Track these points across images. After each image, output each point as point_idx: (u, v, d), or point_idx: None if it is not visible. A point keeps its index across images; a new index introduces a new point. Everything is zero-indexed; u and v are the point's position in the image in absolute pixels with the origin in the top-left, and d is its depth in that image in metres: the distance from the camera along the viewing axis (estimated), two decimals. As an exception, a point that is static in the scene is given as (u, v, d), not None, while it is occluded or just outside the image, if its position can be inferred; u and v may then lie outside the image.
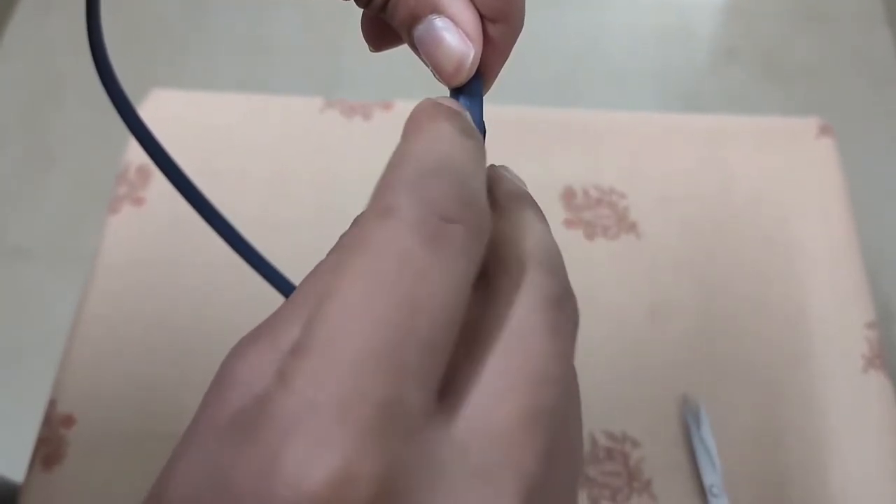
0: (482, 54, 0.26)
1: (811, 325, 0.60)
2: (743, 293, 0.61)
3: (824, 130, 0.68)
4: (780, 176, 0.67)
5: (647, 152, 0.68)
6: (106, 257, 0.62)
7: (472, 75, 0.26)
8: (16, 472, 0.56)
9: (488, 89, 0.28)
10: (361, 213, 0.20)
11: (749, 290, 0.61)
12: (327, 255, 0.22)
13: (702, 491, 0.54)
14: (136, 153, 0.67)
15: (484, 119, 0.27)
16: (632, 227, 0.64)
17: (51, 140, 1.54)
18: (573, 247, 0.63)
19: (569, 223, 0.64)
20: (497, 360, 0.19)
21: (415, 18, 0.26)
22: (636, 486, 0.54)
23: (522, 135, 0.68)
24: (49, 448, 0.55)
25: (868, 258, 0.63)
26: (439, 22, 0.25)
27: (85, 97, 1.57)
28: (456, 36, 0.25)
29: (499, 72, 0.28)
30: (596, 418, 0.56)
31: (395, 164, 0.20)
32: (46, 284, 1.36)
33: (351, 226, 0.22)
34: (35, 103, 1.59)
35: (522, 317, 0.20)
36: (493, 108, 0.70)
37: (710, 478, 0.54)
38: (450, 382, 0.19)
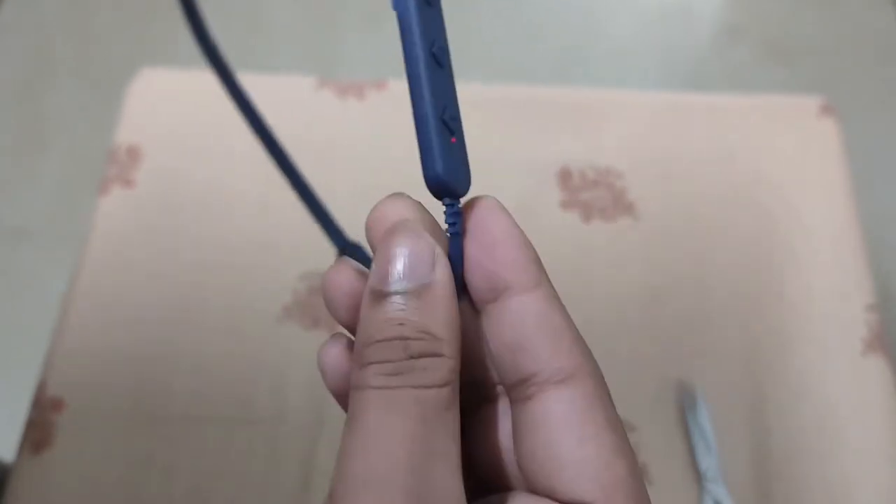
0: None
1: (810, 308, 0.59)
2: (742, 275, 0.60)
3: (826, 110, 0.67)
4: (781, 156, 0.65)
5: (646, 131, 0.67)
6: (96, 239, 0.61)
7: None
8: (9, 452, 0.56)
9: None
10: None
11: (748, 271, 0.61)
12: None
13: (698, 476, 0.53)
14: (126, 134, 0.66)
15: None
16: (629, 209, 0.63)
17: (44, 120, 1.53)
18: (569, 229, 0.62)
19: (565, 204, 0.63)
20: None
21: None
22: (631, 471, 0.53)
23: (517, 114, 0.67)
24: (38, 433, 0.54)
25: (869, 240, 0.62)
26: None
27: (79, 78, 1.56)
28: None
29: None
30: (591, 402, 0.55)
31: None
32: (41, 265, 1.36)
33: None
34: (28, 84, 1.58)
35: None
36: (488, 87, 0.70)
37: (706, 462, 0.53)
38: None
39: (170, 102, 0.68)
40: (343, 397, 0.24)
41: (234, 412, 0.55)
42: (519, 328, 0.23)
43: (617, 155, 0.65)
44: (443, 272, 0.23)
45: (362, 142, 0.64)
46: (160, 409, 0.55)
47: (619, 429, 0.23)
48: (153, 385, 0.56)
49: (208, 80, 0.70)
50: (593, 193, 0.63)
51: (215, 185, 0.64)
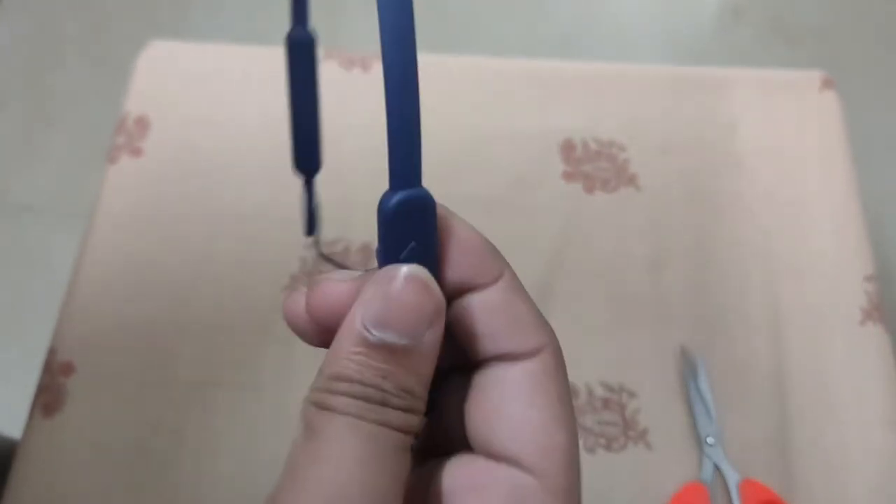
0: None
1: (810, 277, 0.60)
2: (742, 245, 0.61)
3: (827, 83, 0.68)
4: (782, 128, 0.66)
5: (648, 104, 0.67)
6: (105, 207, 0.62)
7: None
8: (20, 425, 0.56)
9: None
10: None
11: (748, 242, 0.61)
12: None
13: (697, 441, 0.54)
14: (134, 104, 0.66)
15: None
16: (631, 180, 0.63)
17: (52, 97, 1.54)
18: (572, 200, 0.63)
19: (568, 176, 0.64)
20: None
21: None
22: (632, 436, 0.54)
23: (522, 87, 0.67)
24: (49, 396, 0.55)
25: (869, 212, 0.63)
26: None
27: (86, 56, 1.56)
28: None
29: None
30: (593, 369, 0.56)
31: None
32: (50, 241, 1.37)
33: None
34: (36, 61, 1.58)
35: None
36: (494, 60, 0.70)
37: (706, 428, 0.54)
38: None
39: (178, 74, 0.68)
40: (300, 333, 0.25)
41: (241, 378, 0.56)
42: (486, 317, 0.24)
43: (619, 128, 0.66)
44: (436, 333, 0.23)
45: (368, 111, 0.64)
46: (168, 374, 0.56)
47: (567, 403, 0.24)
48: (161, 350, 0.57)
49: (216, 52, 0.71)
50: (595, 165, 0.64)
51: (223, 154, 0.64)
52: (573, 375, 0.55)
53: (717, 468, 0.53)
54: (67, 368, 0.56)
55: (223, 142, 0.65)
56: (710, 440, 0.54)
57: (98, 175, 0.64)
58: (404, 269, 0.22)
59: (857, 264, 0.60)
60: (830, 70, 0.70)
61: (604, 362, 0.57)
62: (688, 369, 0.56)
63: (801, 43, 1.57)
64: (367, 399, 0.22)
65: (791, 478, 0.53)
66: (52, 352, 0.56)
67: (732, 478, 0.52)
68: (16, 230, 1.40)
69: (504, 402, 0.24)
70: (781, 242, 0.61)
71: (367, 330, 0.22)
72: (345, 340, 0.22)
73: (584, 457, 0.53)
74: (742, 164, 0.64)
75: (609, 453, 0.54)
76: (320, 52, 0.69)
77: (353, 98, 0.66)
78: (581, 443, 0.54)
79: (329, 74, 0.68)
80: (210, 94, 0.67)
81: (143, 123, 0.65)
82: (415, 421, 0.23)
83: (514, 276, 0.25)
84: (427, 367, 0.23)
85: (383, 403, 0.22)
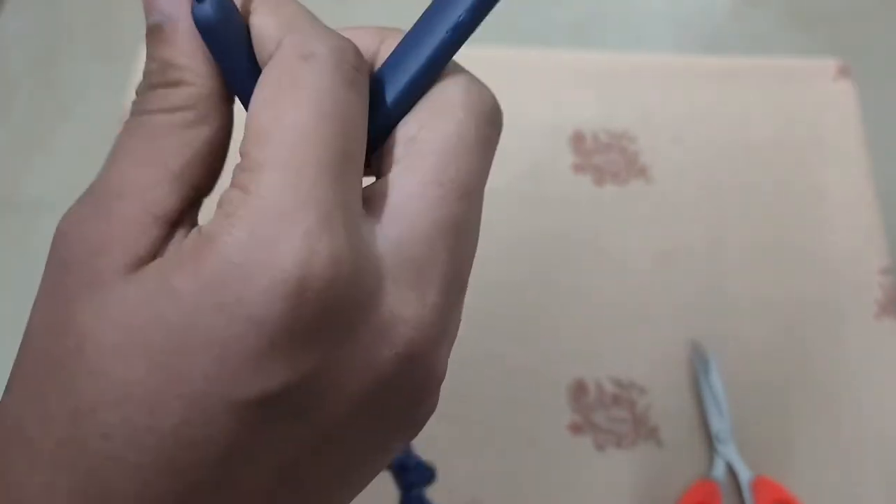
0: None
1: (824, 271, 0.59)
2: (754, 238, 0.60)
3: (843, 71, 0.66)
4: (796, 118, 0.65)
5: (660, 94, 0.66)
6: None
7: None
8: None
9: None
10: (277, 57, 0.22)
11: (761, 234, 0.60)
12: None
13: (709, 437, 0.53)
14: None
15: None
16: (641, 172, 0.63)
17: (63, 92, 1.54)
18: (582, 192, 0.62)
19: (577, 168, 0.63)
20: (428, 172, 0.21)
21: None
22: (642, 432, 0.54)
23: (532, 77, 0.67)
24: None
25: (885, 204, 0.62)
26: None
27: (96, 49, 1.56)
28: None
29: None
30: (602, 365, 0.55)
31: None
32: (62, 236, 1.37)
33: (266, 70, 0.22)
34: (46, 54, 1.59)
35: (456, 133, 0.22)
36: (502, 50, 0.69)
37: (718, 424, 0.53)
38: (375, 194, 0.22)
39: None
40: None
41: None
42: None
43: (631, 119, 0.65)
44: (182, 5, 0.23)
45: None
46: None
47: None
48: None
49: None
50: (606, 157, 0.63)
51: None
52: (583, 371, 0.55)
53: (729, 465, 0.52)
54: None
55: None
56: (721, 436, 0.53)
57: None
58: None
59: (873, 257, 0.59)
60: (849, 57, 0.68)
61: (613, 358, 0.56)
62: (699, 365, 0.55)
63: (820, 30, 1.55)
64: (141, 93, 0.23)
65: (805, 475, 0.52)
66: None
67: (745, 475, 0.52)
68: (28, 225, 1.40)
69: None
70: (795, 234, 0.60)
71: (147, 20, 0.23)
72: None
73: (594, 454, 0.53)
74: (755, 154, 0.63)
75: (619, 450, 0.53)
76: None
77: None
78: (590, 440, 0.53)
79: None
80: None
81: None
82: (180, 95, 0.22)
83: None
84: (183, 38, 0.22)
85: (149, 87, 0.23)
